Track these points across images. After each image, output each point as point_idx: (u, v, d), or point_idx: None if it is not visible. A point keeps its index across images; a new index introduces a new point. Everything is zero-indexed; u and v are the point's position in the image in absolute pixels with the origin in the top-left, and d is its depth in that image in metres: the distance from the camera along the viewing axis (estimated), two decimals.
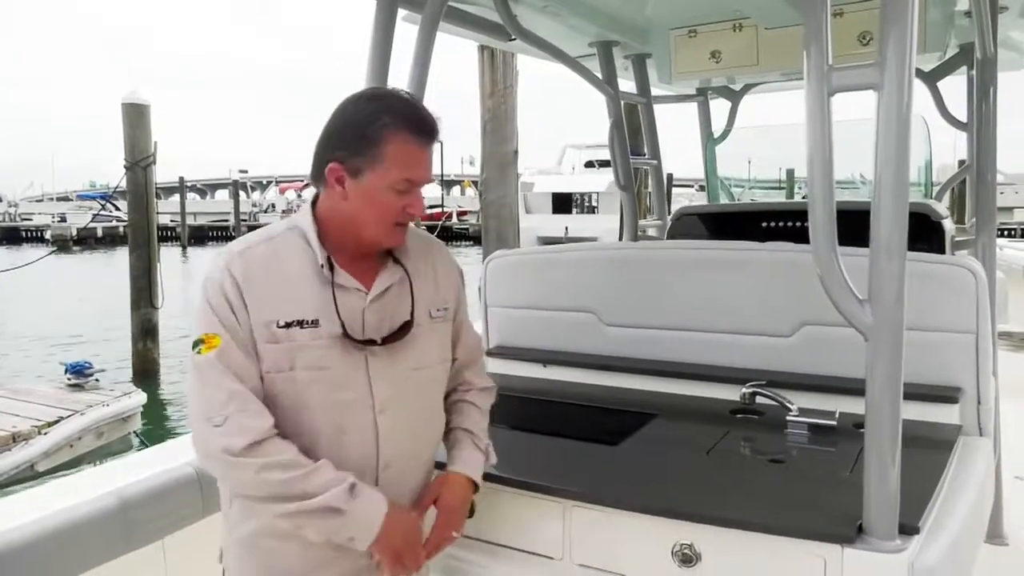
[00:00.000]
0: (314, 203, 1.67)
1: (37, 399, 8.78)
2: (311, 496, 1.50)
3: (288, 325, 1.57)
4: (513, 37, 3.01)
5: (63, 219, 50.37)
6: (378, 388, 1.64)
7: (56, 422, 8.08)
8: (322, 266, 1.60)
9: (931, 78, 3.76)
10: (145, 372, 12.80)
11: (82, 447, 8.16)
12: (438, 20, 2.44)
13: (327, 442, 1.60)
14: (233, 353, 1.53)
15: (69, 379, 9.27)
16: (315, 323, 1.58)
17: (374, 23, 2.40)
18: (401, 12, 2.44)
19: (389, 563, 1.62)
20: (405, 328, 1.67)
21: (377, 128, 1.56)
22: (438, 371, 1.80)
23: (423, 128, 1.60)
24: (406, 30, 2.51)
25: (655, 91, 4.28)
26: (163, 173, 13.54)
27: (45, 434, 7.86)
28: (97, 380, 9.43)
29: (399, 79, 2.35)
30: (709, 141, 4.92)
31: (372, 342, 1.62)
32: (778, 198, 5.78)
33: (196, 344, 1.55)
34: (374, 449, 1.64)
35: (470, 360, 1.93)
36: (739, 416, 2.35)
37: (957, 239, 3.50)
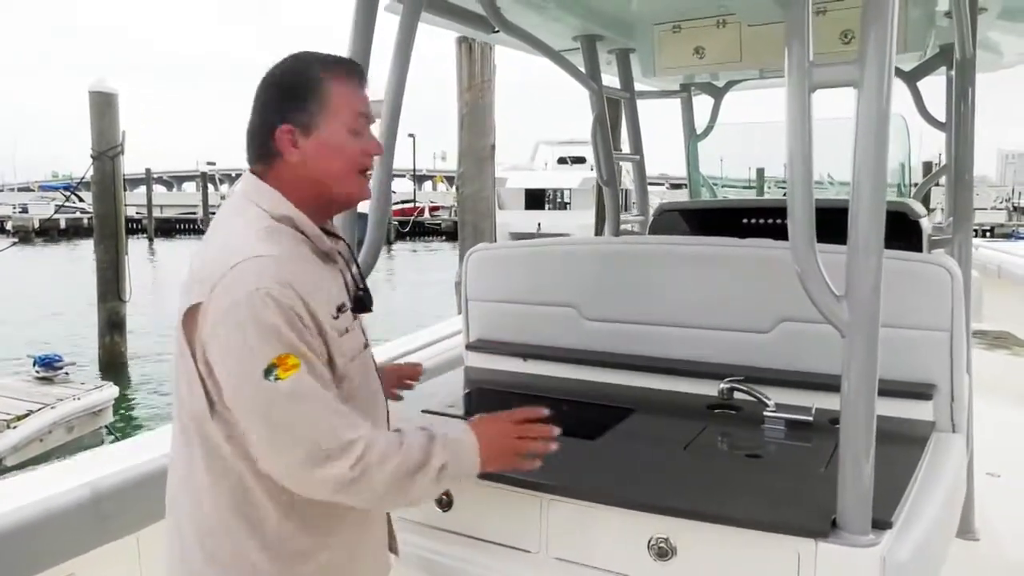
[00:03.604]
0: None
1: (5, 392, 8.63)
2: (422, 465, 1.48)
3: (338, 313, 1.54)
4: (496, 29, 2.99)
5: (25, 210, 49.45)
6: (375, 357, 1.73)
7: (26, 416, 7.96)
8: (330, 249, 1.59)
9: (911, 78, 3.79)
10: (112, 366, 12.64)
11: (52, 441, 8.07)
12: (420, 11, 2.42)
13: (378, 409, 1.68)
14: (319, 369, 1.44)
15: (38, 372, 9.12)
16: (344, 305, 1.58)
17: (354, 13, 2.37)
18: (382, 2, 2.42)
19: (511, 466, 1.63)
20: (368, 296, 1.70)
21: (315, 78, 1.55)
22: None
23: (354, 68, 1.64)
24: (387, 21, 2.49)
25: (638, 87, 4.28)
26: (128, 165, 13.36)
27: (14, 428, 7.76)
28: (67, 373, 9.29)
29: (379, 70, 2.34)
30: (692, 137, 4.94)
31: (368, 311, 1.67)
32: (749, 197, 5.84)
33: (268, 372, 1.37)
34: (385, 402, 1.76)
35: None
36: (717, 411, 2.36)
37: (934, 238, 3.55)
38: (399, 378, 2.09)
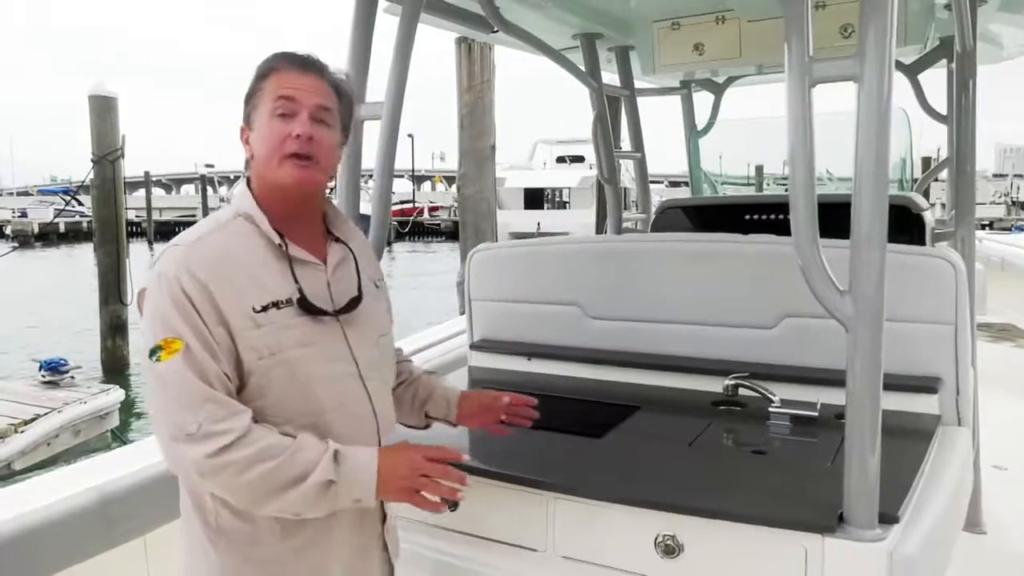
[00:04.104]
0: (249, 185, 1.66)
1: (12, 397, 8.70)
2: (303, 478, 1.46)
3: (265, 308, 1.53)
4: (496, 29, 2.99)
5: (24, 214, 49.40)
6: (360, 356, 1.66)
7: (33, 420, 8.01)
8: (279, 245, 1.58)
9: (912, 71, 3.78)
10: (115, 369, 12.65)
11: (59, 445, 8.10)
12: (419, 11, 2.42)
13: (335, 416, 1.60)
14: (199, 356, 1.45)
15: (44, 376, 9.16)
16: (289, 302, 1.56)
17: (354, 14, 2.37)
18: (382, 4, 2.42)
19: (408, 501, 1.58)
20: (355, 302, 1.67)
21: (259, 74, 1.61)
22: (392, 336, 1.85)
23: (297, 57, 1.62)
24: (385, 23, 2.49)
25: (638, 84, 4.27)
26: (127, 168, 13.33)
27: (22, 432, 7.81)
28: (72, 377, 9.32)
29: (380, 71, 2.34)
30: (692, 134, 4.94)
31: (326, 312, 1.61)
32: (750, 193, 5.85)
33: (153, 352, 1.46)
34: (372, 416, 1.68)
35: None
36: (722, 408, 2.36)
37: (937, 231, 3.55)
38: (480, 407, 1.99)
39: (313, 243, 1.66)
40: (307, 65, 1.61)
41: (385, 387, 1.77)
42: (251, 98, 1.61)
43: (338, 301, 1.65)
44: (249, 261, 1.56)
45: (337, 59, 2.32)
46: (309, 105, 1.58)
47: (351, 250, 1.73)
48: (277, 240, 1.58)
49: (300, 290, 1.57)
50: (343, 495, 1.51)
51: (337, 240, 1.72)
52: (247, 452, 1.43)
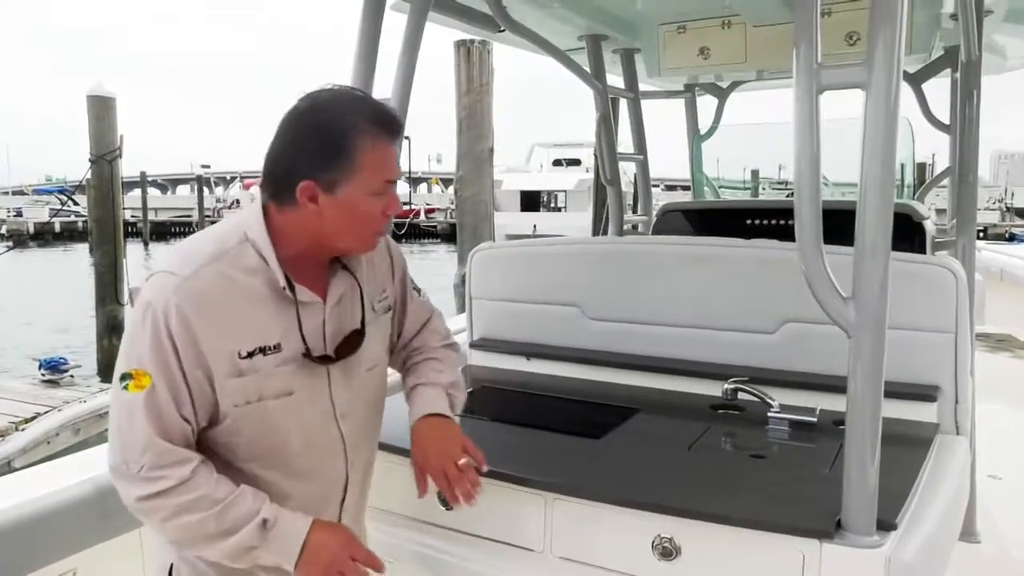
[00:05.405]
0: (265, 211, 1.56)
1: (11, 395, 8.74)
2: (227, 535, 1.46)
3: (251, 354, 1.48)
4: (502, 29, 3.00)
5: (19, 214, 49.26)
6: (338, 396, 1.63)
7: (33, 418, 8.04)
8: (283, 288, 1.52)
9: (916, 80, 3.80)
10: (111, 369, 12.57)
11: (60, 443, 8.07)
12: (427, 10, 2.42)
13: (302, 461, 1.59)
14: (161, 399, 1.43)
15: (43, 375, 9.18)
16: (277, 347, 1.51)
17: (362, 12, 2.37)
18: (390, 1, 2.42)
19: None
20: (355, 338, 1.63)
21: (350, 137, 1.49)
22: (384, 363, 1.81)
23: (391, 127, 1.55)
24: (390, 21, 2.49)
25: (643, 86, 4.29)
26: (123, 167, 13.27)
27: (22, 430, 7.82)
28: (72, 376, 9.32)
29: (386, 70, 2.34)
30: (695, 137, 4.95)
31: (329, 359, 1.58)
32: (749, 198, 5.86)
33: (124, 377, 1.45)
34: (343, 456, 1.66)
35: (419, 321, 1.91)
36: (721, 412, 2.36)
37: (938, 240, 3.56)
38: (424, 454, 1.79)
39: (315, 277, 1.60)
40: (399, 133, 1.59)
41: (366, 420, 1.74)
42: (337, 162, 1.48)
43: (331, 340, 1.61)
44: (245, 298, 1.50)
45: (339, 58, 2.33)
46: (398, 178, 1.60)
47: (356, 279, 1.67)
48: (282, 284, 1.51)
49: (305, 344, 1.55)
50: (264, 558, 1.51)
51: (344, 268, 1.66)
52: (179, 500, 1.43)
